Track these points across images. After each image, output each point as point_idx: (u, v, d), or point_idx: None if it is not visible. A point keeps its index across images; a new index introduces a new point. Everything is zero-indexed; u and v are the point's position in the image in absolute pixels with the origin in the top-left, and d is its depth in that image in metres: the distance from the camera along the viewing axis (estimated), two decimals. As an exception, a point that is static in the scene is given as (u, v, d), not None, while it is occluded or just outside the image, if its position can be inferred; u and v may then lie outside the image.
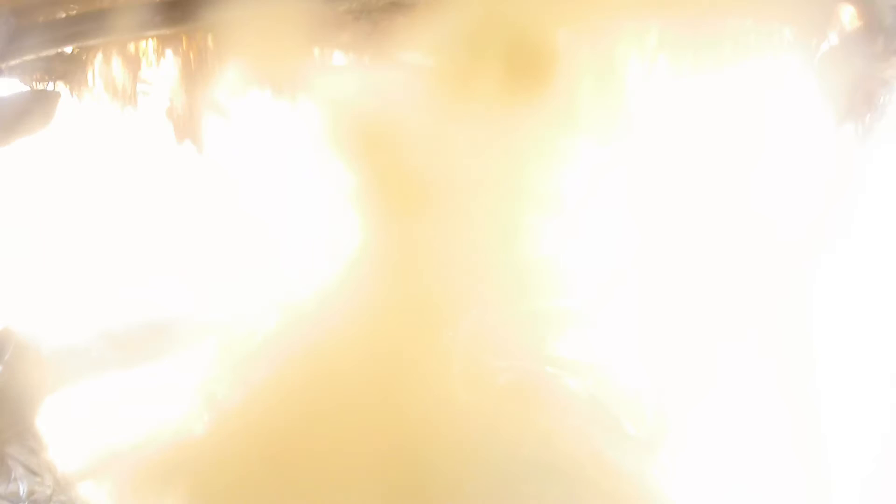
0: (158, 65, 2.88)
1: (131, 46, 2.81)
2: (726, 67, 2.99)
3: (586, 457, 3.01)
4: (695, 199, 3.07)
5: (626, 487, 2.96)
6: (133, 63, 2.85)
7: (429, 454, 2.86)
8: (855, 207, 2.88)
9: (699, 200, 3.06)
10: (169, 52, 2.86)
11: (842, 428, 2.80)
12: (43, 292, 3.35)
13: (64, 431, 3.04)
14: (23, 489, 2.73)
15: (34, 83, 2.77)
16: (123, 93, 2.93)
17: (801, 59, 2.94)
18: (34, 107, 2.71)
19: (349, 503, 2.81)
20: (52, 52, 2.59)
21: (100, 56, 2.78)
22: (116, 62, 2.82)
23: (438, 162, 3.11)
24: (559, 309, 3.34)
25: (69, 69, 2.76)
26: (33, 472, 2.79)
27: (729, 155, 3.00)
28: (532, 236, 3.22)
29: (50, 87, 2.79)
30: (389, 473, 2.82)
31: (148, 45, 2.82)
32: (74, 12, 2.50)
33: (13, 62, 2.45)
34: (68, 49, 2.66)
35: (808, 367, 2.88)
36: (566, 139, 3.14)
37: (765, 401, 2.94)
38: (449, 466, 2.83)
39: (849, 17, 2.89)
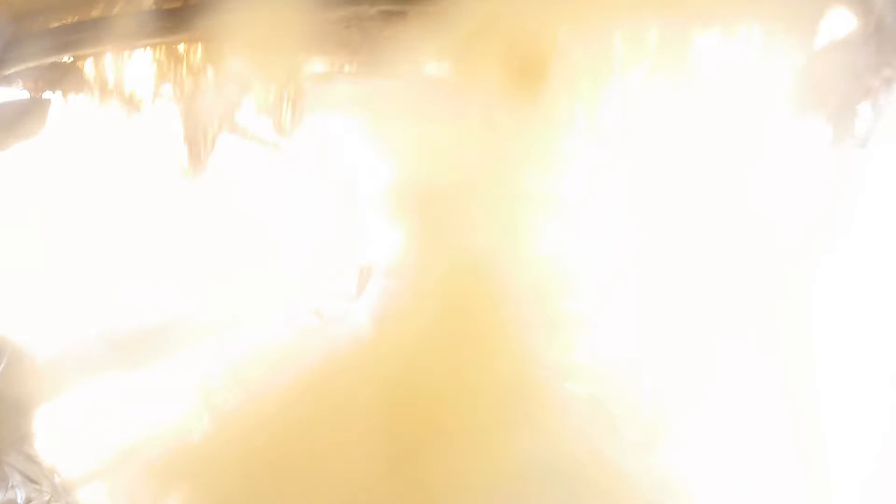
0: (157, 72, 2.86)
1: (130, 54, 2.79)
2: (725, 67, 2.98)
3: (586, 457, 3.01)
4: (694, 200, 3.07)
5: (626, 487, 2.96)
6: (131, 70, 2.83)
7: (429, 454, 2.85)
8: (855, 207, 2.88)
9: (699, 200, 3.06)
10: (167, 59, 2.83)
11: (842, 428, 2.80)
12: (39, 299, 3.32)
13: (62, 438, 3.03)
14: (20, 497, 2.71)
15: (32, 90, 2.74)
16: (121, 99, 2.90)
17: (800, 58, 2.93)
18: (28, 113, 2.69)
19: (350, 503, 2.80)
20: (50, 59, 2.56)
21: (98, 64, 2.76)
22: (115, 70, 2.80)
23: (436, 166, 3.10)
24: (559, 309, 3.34)
25: (67, 77, 2.73)
26: (31, 480, 2.77)
27: (728, 155, 3.00)
28: (532, 237, 3.21)
29: (48, 94, 2.76)
30: (389, 474, 2.81)
31: (146, 53, 2.80)
32: (74, 20, 2.47)
33: (11, 70, 2.41)
34: (67, 57, 2.63)
35: (808, 367, 2.88)
36: (565, 140, 3.13)
37: (765, 401, 2.94)
38: (449, 467, 2.83)
39: (848, 16, 2.88)
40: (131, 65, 2.81)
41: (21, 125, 2.69)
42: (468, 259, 3.14)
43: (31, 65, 2.49)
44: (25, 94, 2.73)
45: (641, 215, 3.20)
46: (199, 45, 2.84)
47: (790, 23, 2.92)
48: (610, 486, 2.94)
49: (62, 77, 2.71)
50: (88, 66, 2.73)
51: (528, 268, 3.17)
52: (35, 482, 2.78)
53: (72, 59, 2.66)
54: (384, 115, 3.22)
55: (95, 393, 3.22)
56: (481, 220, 3.13)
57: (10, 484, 2.70)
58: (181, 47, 2.80)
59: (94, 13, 2.48)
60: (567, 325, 3.30)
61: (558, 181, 3.20)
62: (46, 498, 2.77)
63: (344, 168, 3.44)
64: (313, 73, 3.20)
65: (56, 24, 2.46)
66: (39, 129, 2.77)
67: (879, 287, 2.86)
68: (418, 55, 3.06)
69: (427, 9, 2.92)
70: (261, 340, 3.48)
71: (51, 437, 3.01)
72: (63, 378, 3.10)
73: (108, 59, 2.74)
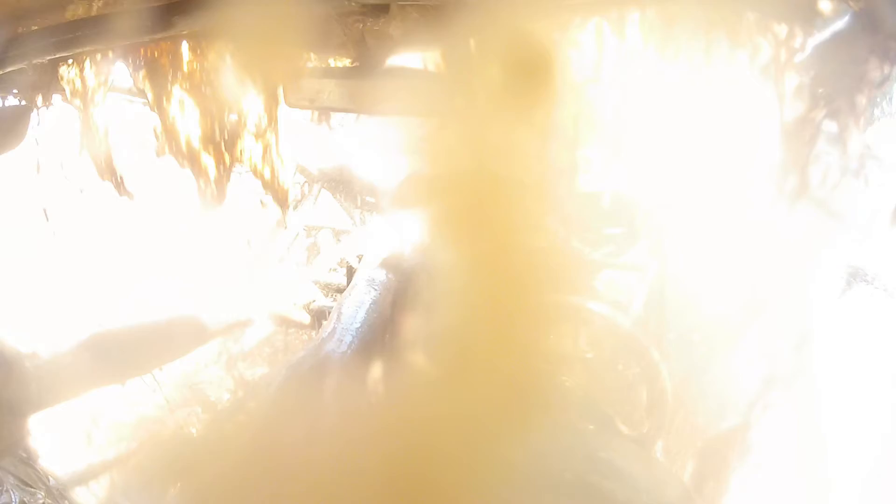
0: (155, 70, 2.82)
1: (127, 52, 2.76)
2: (724, 65, 2.95)
3: (580, 457, 3.00)
4: (694, 200, 3.06)
5: (621, 488, 2.96)
6: (128, 68, 2.80)
7: (424, 455, 2.84)
8: (855, 206, 2.86)
9: (698, 200, 3.05)
10: (164, 57, 2.80)
11: (842, 428, 2.79)
12: (32, 302, 3.31)
13: (56, 440, 3.02)
14: (15, 500, 2.69)
15: (19, 95, 2.71)
16: (118, 97, 2.88)
17: (800, 56, 2.90)
18: (15, 119, 2.66)
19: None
20: (45, 59, 2.51)
21: (93, 62, 2.72)
22: (111, 68, 2.77)
23: (428, 161, 3.08)
24: (556, 304, 3.32)
25: (54, 81, 2.69)
26: (26, 484, 2.76)
27: (728, 155, 2.98)
28: (532, 233, 3.18)
29: (34, 99, 2.72)
30: (385, 474, 2.81)
31: (144, 52, 2.76)
32: (61, 21, 2.42)
33: (5, 70, 2.37)
34: (63, 55, 2.58)
35: (807, 368, 2.87)
36: (564, 140, 3.10)
37: (765, 401, 2.93)
38: (443, 468, 2.82)
39: (847, 14, 2.84)
40: (130, 62, 2.78)
41: (10, 131, 2.66)
42: (466, 255, 3.12)
43: (21, 66, 2.45)
44: (13, 100, 2.70)
45: (641, 214, 3.19)
46: (200, 42, 2.79)
47: (789, 20, 2.88)
48: (604, 486, 2.93)
49: (49, 81, 2.67)
50: (74, 69, 2.70)
51: (527, 262, 3.15)
52: (30, 486, 2.76)
53: (59, 61, 2.62)
54: (373, 110, 3.19)
55: (90, 396, 3.21)
56: (479, 218, 3.11)
57: (5, 488, 2.69)
58: (180, 43, 2.76)
59: (79, 13, 2.43)
60: (566, 320, 3.29)
61: (557, 177, 3.18)
62: (41, 501, 2.75)
63: (336, 164, 3.42)
64: (300, 68, 3.16)
65: (44, 25, 2.41)
66: (24, 134, 2.74)
67: (879, 286, 2.84)
68: (404, 49, 3.02)
69: (410, 1, 2.87)
70: (258, 339, 3.48)
71: (45, 440, 3.00)
72: (58, 380, 3.09)
73: (105, 56, 2.70)
